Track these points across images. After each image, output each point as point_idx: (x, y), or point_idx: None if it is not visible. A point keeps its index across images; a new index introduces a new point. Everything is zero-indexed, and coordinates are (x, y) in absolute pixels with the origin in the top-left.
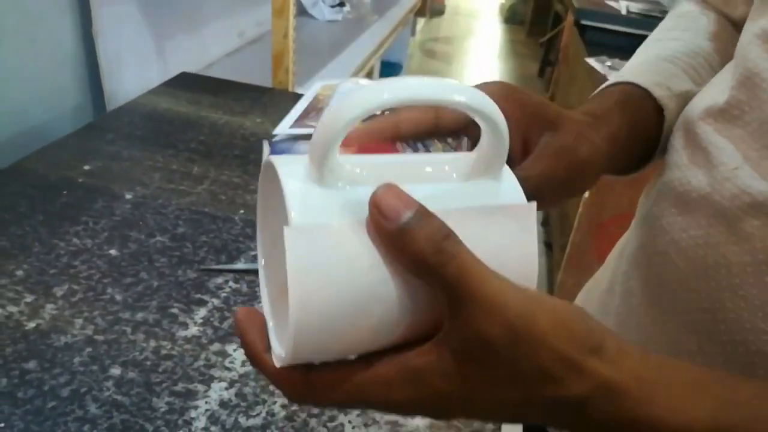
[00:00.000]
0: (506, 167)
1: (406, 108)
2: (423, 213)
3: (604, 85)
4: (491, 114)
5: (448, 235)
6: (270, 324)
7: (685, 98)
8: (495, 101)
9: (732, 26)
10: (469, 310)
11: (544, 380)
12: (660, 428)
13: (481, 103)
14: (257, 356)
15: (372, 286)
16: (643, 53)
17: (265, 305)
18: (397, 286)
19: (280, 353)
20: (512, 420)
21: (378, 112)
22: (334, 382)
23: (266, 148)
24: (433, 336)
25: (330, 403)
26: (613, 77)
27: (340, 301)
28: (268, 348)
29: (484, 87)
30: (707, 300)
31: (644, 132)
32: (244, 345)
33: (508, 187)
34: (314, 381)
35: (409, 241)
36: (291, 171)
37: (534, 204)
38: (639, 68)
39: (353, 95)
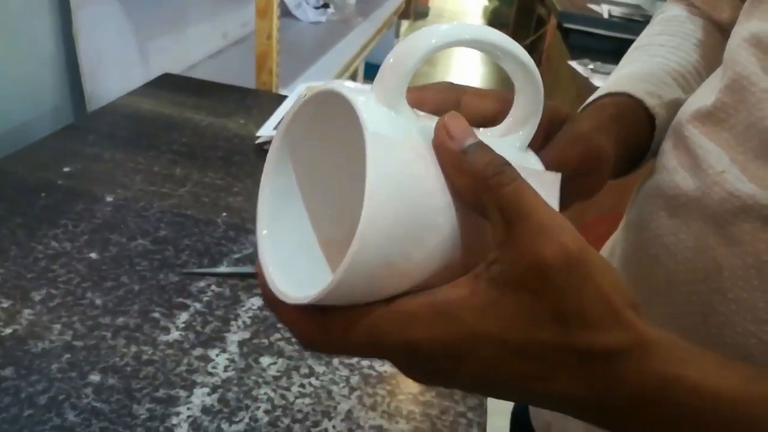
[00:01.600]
0: (531, 152)
1: (430, 90)
2: (483, 144)
3: (595, 96)
4: (528, 64)
5: (507, 163)
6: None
7: (675, 106)
8: (505, 98)
9: (718, 31)
10: (525, 229)
11: (583, 323)
12: (691, 390)
13: (519, 52)
14: (274, 300)
15: (433, 211)
16: (631, 60)
17: (267, 253)
18: (453, 216)
19: (294, 293)
20: (531, 386)
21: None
22: (351, 318)
23: (299, 98)
24: None
25: (344, 347)
26: (603, 86)
27: (403, 220)
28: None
29: (492, 94)
30: (698, 303)
31: (637, 140)
32: (262, 287)
33: (534, 160)
34: (327, 320)
35: (472, 161)
36: (359, 96)
37: (560, 174)
38: (629, 77)
39: (429, 29)
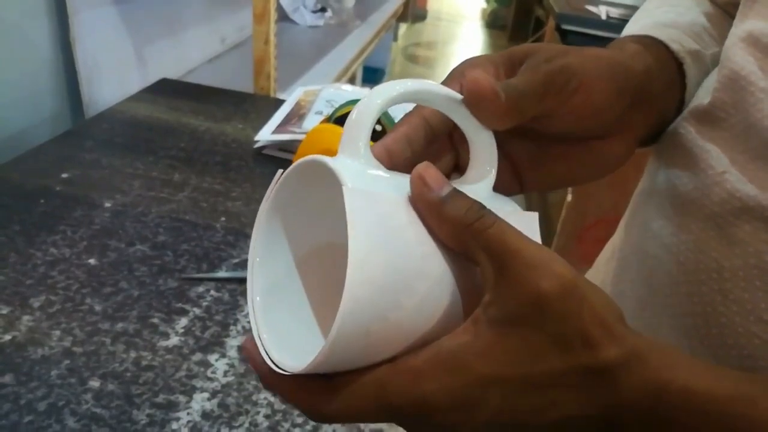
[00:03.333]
0: (501, 196)
1: (396, 129)
2: (458, 191)
3: (612, 44)
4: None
5: (484, 207)
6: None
7: (697, 57)
8: (510, 55)
9: (717, 8)
10: (516, 266)
11: (585, 344)
12: (685, 393)
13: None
14: (270, 375)
15: (420, 259)
16: (639, 22)
17: (260, 324)
18: (441, 262)
19: (293, 363)
20: (540, 418)
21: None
22: (357, 382)
23: (278, 175)
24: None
25: (354, 414)
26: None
27: (391, 270)
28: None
29: (462, 66)
30: (699, 304)
31: (670, 76)
32: (255, 369)
33: (510, 205)
34: (334, 387)
35: (452, 208)
36: (332, 159)
37: (536, 213)
38: (641, 28)
39: (389, 83)
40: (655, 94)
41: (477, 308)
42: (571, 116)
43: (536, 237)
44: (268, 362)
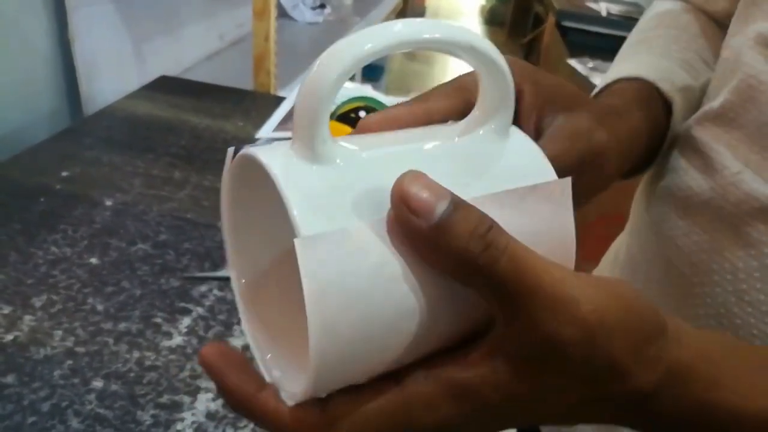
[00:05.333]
0: (516, 128)
1: (434, 96)
2: (458, 203)
3: (606, 82)
4: (486, 50)
5: (492, 225)
6: (265, 356)
7: (687, 93)
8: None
9: (715, 24)
10: (532, 309)
11: (615, 376)
12: (729, 414)
13: (476, 40)
14: (249, 401)
15: (403, 298)
16: (631, 52)
17: (252, 334)
18: (432, 295)
19: (292, 387)
20: (574, 422)
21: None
22: (361, 410)
23: (230, 154)
24: (471, 337)
25: None
26: (611, 74)
27: (367, 319)
28: (260, 388)
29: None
30: (713, 305)
31: (658, 129)
32: (227, 391)
33: (528, 150)
34: (335, 414)
35: (449, 239)
36: (278, 160)
37: (570, 179)
38: (636, 65)
39: (335, 48)
40: (639, 153)
41: (491, 336)
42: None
43: (568, 213)
44: (283, 385)
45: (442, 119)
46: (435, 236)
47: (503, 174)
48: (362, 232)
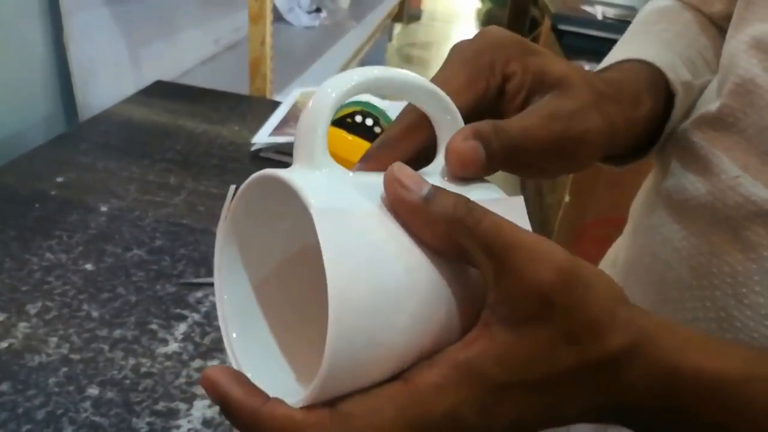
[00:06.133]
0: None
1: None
2: (438, 187)
3: (613, 60)
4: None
5: (470, 199)
6: (274, 383)
7: (688, 89)
8: (491, 64)
9: (712, 24)
10: (516, 260)
11: (593, 334)
12: (697, 375)
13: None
14: (257, 413)
15: (406, 273)
16: (636, 39)
17: (244, 360)
18: (430, 271)
19: (297, 393)
20: (555, 412)
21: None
22: (372, 406)
23: (231, 191)
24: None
25: None
26: (617, 53)
27: (377, 292)
28: (267, 401)
29: (483, 41)
30: (712, 309)
31: (657, 119)
32: (233, 407)
33: (488, 186)
34: (347, 413)
35: (438, 207)
36: (284, 171)
37: (521, 197)
38: (644, 50)
39: (337, 76)
40: (633, 147)
41: (484, 310)
42: (559, 162)
43: (526, 223)
44: (287, 395)
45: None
46: (425, 207)
47: (467, 192)
48: (364, 213)
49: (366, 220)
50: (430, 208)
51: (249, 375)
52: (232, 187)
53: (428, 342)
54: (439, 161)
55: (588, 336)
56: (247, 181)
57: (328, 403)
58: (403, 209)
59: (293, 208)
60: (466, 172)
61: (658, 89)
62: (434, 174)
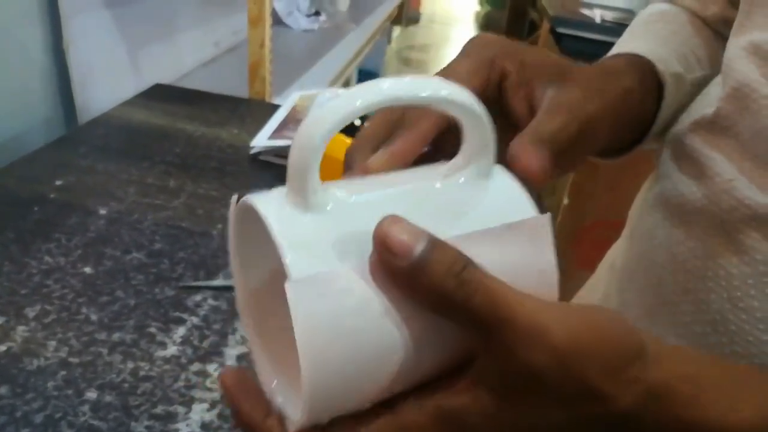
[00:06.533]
0: (500, 167)
1: (415, 115)
2: (435, 243)
3: (604, 58)
4: (467, 103)
5: (467, 263)
6: (271, 384)
7: (679, 81)
8: (492, 59)
9: (707, 27)
10: (507, 340)
11: (593, 399)
12: (708, 429)
13: (455, 94)
14: (257, 427)
15: (389, 333)
16: (630, 39)
17: (261, 363)
18: (416, 328)
19: (292, 415)
20: None
21: (357, 122)
22: None
23: (233, 201)
24: (459, 366)
25: None
26: (615, 49)
27: (356, 354)
28: (267, 414)
29: (480, 41)
30: (708, 312)
31: (648, 101)
32: (239, 415)
33: (509, 189)
34: None
35: (427, 277)
36: (273, 208)
37: (548, 215)
38: (634, 47)
39: (326, 106)
40: (628, 122)
41: (472, 369)
42: (570, 155)
43: (548, 249)
44: (287, 412)
45: (417, 151)
46: (413, 275)
47: (483, 215)
48: (348, 274)
49: (346, 282)
50: (419, 278)
51: (264, 380)
52: (234, 196)
53: (415, 380)
54: (463, 158)
55: (584, 400)
56: (239, 207)
57: (320, 428)
58: (390, 276)
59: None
60: (534, 182)
61: (645, 72)
62: (450, 180)
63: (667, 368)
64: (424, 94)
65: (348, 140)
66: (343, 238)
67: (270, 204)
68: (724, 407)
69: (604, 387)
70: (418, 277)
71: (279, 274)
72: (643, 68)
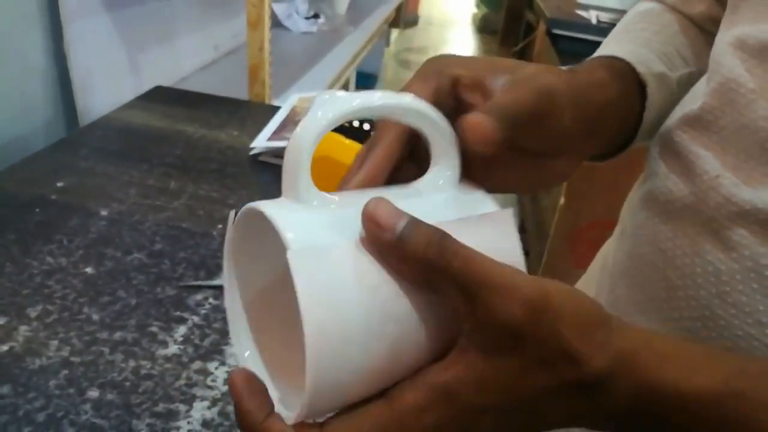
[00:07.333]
0: (466, 180)
1: (378, 134)
2: (414, 220)
3: (583, 65)
4: (421, 108)
5: (445, 234)
6: (274, 393)
7: (663, 80)
8: (439, 70)
9: (694, 26)
10: (485, 298)
11: (569, 360)
12: (678, 394)
13: (408, 101)
14: (257, 425)
15: (383, 303)
16: (610, 42)
17: (259, 369)
18: (406, 301)
19: (289, 414)
20: (536, 426)
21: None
22: (357, 426)
23: (232, 216)
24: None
25: None
26: (597, 53)
27: (354, 324)
28: (268, 415)
29: (429, 60)
30: (697, 308)
31: (631, 102)
32: (241, 413)
33: (474, 192)
34: (333, 430)
35: (411, 246)
36: (269, 204)
37: (510, 210)
38: (612, 50)
39: (315, 109)
40: (610, 124)
41: (461, 336)
42: (537, 134)
43: (513, 238)
44: (284, 413)
45: (384, 170)
46: (398, 246)
47: (453, 209)
48: (342, 248)
49: (341, 256)
50: (404, 248)
51: (272, 389)
52: (232, 212)
53: (410, 362)
54: (432, 174)
55: (561, 361)
56: (240, 213)
57: (318, 424)
58: (378, 247)
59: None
60: (485, 147)
61: (621, 73)
62: (423, 189)
63: (630, 336)
64: (372, 104)
65: (347, 141)
66: (332, 224)
67: (266, 203)
68: (688, 374)
69: (578, 345)
70: (402, 247)
71: (274, 286)
72: (620, 69)
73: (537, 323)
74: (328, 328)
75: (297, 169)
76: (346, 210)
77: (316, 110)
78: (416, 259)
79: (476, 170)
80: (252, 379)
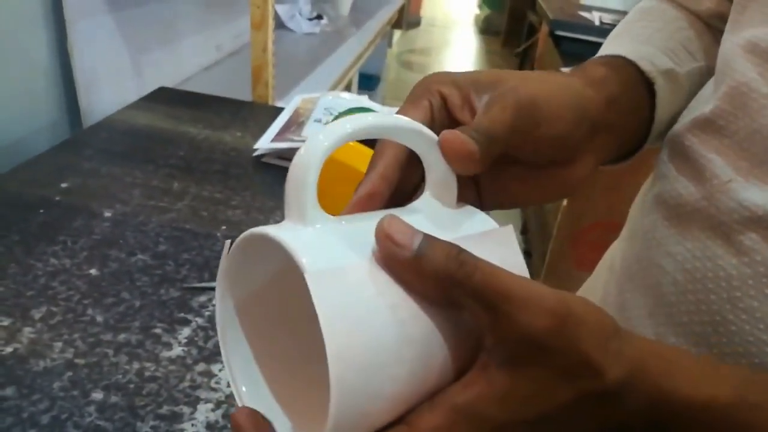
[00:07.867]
0: (469, 207)
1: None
2: (431, 237)
3: (580, 66)
4: (414, 128)
5: (462, 249)
6: (283, 423)
7: (671, 76)
8: (427, 89)
9: (700, 22)
10: (508, 310)
11: (589, 371)
12: (688, 402)
13: (401, 121)
14: None
15: (402, 323)
16: (612, 41)
17: (260, 403)
18: (425, 318)
19: None
20: None
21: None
22: None
23: (227, 246)
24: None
25: None
26: (599, 53)
27: (373, 346)
28: None
29: (418, 82)
30: (707, 312)
31: (638, 102)
32: None
33: (471, 212)
34: None
35: (430, 262)
36: (276, 229)
37: (511, 226)
38: (615, 49)
39: (319, 131)
40: (615, 121)
41: (482, 353)
42: (533, 146)
43: (516, 254)
44: None
45: (381, 191)
46: (417, 262)
47: (455, 227)
48: (357, 270)
49: (358, 277)
50: (422, 265)
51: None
52: (227, 242)
53: (429, 385)
54: (428, 193)
55: (584, 372)
56: (240, 238)
57: None
58: (395, 265)
59: (286, 261)
60: (465, 166)
61: (623, 71)
62: (422, 209)
63: (638, 345)
64: (364, 126)
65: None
66: (343, 244)
67: (270, 228)
68: (698, 382)
69: (597, 356)
70: (420, 264)
71: (272, 312)
72: (627, 71)
73: (560, 334)
74: (349, 351)
75: (303, 190)
76: (353, 231)
77: (318, 134)
78: (436, 275)
79: (486, 188)
80: (255, 416)
